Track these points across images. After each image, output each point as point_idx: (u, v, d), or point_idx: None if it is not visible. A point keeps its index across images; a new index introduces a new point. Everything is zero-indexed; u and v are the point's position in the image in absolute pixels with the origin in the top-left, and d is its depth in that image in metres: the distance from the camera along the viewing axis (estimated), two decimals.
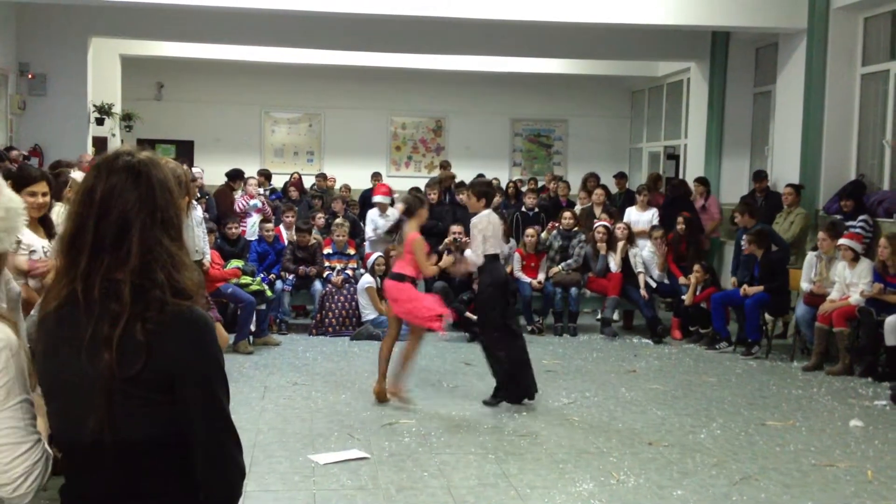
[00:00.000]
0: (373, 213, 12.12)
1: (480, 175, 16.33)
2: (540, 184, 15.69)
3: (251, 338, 9.95)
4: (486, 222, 7.67)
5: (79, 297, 2.03)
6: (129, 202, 2.04)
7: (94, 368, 1.98)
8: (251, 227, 11.94)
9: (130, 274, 2.01)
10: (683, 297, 10.97)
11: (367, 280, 10.80)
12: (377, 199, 12.05)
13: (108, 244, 2.03)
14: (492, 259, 7.72)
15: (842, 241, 9.52)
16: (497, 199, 13.28)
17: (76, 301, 2.03)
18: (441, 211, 11.68)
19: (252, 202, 12.28)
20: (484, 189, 7.90)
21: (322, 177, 16.10)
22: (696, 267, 10.87)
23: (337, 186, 15.87)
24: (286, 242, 11.49)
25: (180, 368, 2.01)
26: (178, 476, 2.08)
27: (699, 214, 12.72)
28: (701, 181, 13.29)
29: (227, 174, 13.11)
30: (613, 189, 14.65)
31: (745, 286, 10.16)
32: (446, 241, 11.00)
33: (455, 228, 11.03)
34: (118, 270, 2.02)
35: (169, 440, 2.04)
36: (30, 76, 13.40)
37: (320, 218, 12.37)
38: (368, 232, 11.94)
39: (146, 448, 2.03)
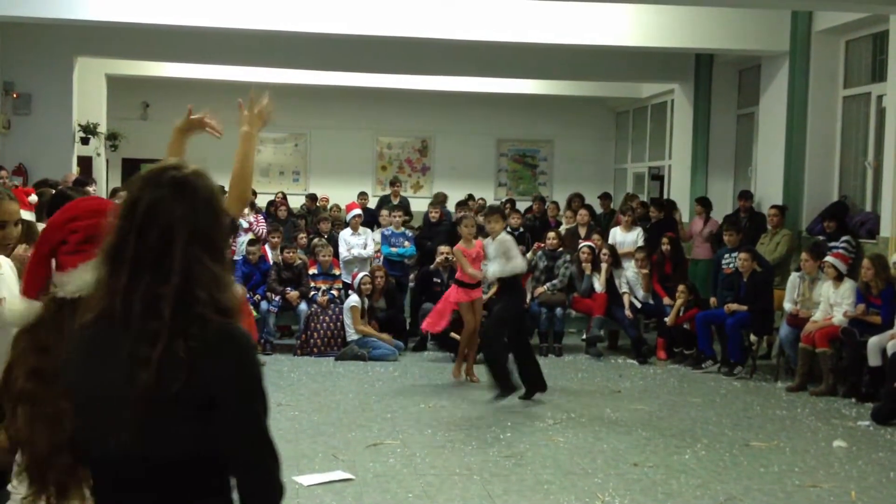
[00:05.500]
0: (345, 234, 12.14)
1: (469, 196, 16.40)
2: (525, 205, 15.76)
3: None
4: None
5: (117, 312, 1.99)
6: (172, 218, 2.00)
7: (130, 386, 1.93)
8: (239, 247, 11.91)
9: (172, 291, 1.97)
10: (666, 318, 11.01)
11: (352, 299, 10.79)
12: (354, 212, 12.18)
13: (150, 260, 1.99)
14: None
15: (827, 258, 9.59)
16: (480, 219, 13.39)
17: (114, 315, 1.99)
18: (437, 230, 11.75)
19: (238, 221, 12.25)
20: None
21: (312, 197, 16.10)
22: (681, 288, 10.92)
23: (329, 206, 15.87)
24: (271, 263, 11.47)
25: (221, 386, 1.96)
26: (212, 496, 2.04)
27: (700, 239, 12.70)
28: (701, 202, 13.02)
29: None
30: (598, 209, 14.72)
31: (728, 305, 10.20)
32: (437, 261, 11.16)
33: (443, 249, 11.10)
34: (159, 287, 1.97)
35: (203, 459, 1.99)
36: (15, 95, 13.37)
37: (303, 238, 12.35)
38: (343, 252, 11.93)
39: (181, 467, 1.98)
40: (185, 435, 1.96)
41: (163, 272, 1.98)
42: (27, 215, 4.67)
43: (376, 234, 12.45)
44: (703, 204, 12.95)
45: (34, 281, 2.93)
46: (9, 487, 2.79)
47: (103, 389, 1.99)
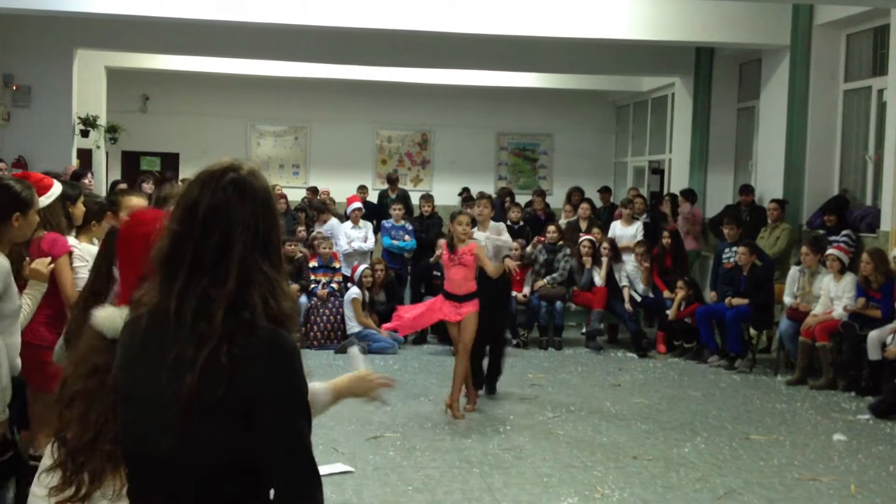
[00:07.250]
0: (346, 226, 12.13)
1: (466, 189, 16.40)
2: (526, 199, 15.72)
3: None
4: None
5: (171, 311, 1.96)
6: (232, 222, 1.97)
7: (173, 389, 1.91)
8: None
9: (225, 295, 1.94)
10: (668, 311, 11.01)
11: (353, 292, 10.79)
12: (354, 205, 12.16)
13: (208, 263, 1.96)
14: None
15: (830, 251, 9.57)
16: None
17: (167, 314, 1.97)
18: (431, 223, 11.73)
19: None
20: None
21: (313, 190, 16.08)
22: (680, 283, 10.92)
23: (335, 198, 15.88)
24: None
25: (260, 393, 1.92)
26: None
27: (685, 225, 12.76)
28: (685, 194, 13.20)
29: None
30: (598, 203, 14.70)
31: (729, 299, 10.20)
32: (437, 254, 11.10)
33: (442, 242, 11.05)
34: (214, 290, 1.95)
35: (242, 467, 1.96)
36: (14, 88, 13.34)
37: (301, 231, 12.33)
38: (343, 245, 11.92)
39: (219, 473, 1.95)
40: (224, 441, 1.93)
41: (220, 275, 1.95)
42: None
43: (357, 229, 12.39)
44: (687, 196, 13.00)
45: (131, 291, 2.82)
46: (33, 488, 2.76)
47: (150, 388, 1.97)
